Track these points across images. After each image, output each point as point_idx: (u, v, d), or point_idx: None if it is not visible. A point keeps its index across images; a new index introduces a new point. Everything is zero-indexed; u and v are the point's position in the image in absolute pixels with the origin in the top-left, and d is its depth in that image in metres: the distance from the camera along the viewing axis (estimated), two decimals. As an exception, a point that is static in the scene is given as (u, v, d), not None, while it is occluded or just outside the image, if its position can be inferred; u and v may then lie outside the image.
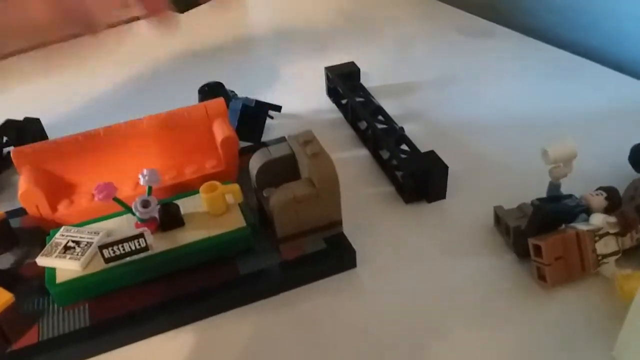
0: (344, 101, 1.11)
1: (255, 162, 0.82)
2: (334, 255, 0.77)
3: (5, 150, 1.04)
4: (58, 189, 0.84)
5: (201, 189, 0.76)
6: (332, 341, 0.69)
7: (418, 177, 0.86)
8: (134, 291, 0.73)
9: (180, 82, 1.28)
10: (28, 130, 1.04)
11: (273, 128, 1.08)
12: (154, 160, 0.88)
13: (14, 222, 0.85)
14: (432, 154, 0.88)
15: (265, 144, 0.99)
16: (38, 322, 0.70)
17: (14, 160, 0.82)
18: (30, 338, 0.69)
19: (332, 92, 1.15)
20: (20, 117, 1.08)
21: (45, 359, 0.67)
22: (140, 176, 0.74)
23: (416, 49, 1.35)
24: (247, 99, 1.00)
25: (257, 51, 1.45)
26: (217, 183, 0.76)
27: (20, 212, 0.88)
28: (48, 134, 1.09)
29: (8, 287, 0.70)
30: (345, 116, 1.10)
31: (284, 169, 0.82)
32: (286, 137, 0.81)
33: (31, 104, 1.24)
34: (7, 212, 0.84)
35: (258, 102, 0.99)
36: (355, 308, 0.73)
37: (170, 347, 0.70)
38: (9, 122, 1.06)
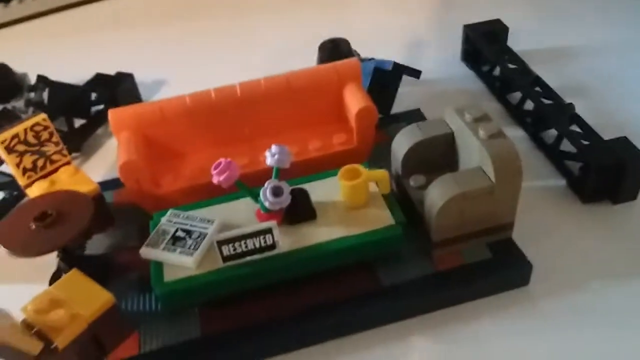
0: (486, 68, 0.92)
1: (402, 142, 0.65)
2: (502, 267, 0.60)
3: (95, 109, 0.92)
4: (161, 160, 0.71)
5: (340, 174, 0.60)
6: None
7: (606, 171, 0.67)
8: (252, 298, 0.58)
9: (289, 33, 1.11)
10: (120, 87, 0.91)
11: (397, 97, 0.90)
12: (272, 131, 0.73)
13: (107, 196, 0.72)
14: (624, 141, 0.68)
15: (397, 117, 0.82)
16: (139, 329, 0.57)
17: (111, 124, 0.69)
18: (129, 348, 0.56)
19: (471, 56, 0.95)
20: (111, 72, 0.95)
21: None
22: (267, 154, 0.58)
23: (569, 8, 1.11)
24: (378, 60, 0.83)
25: (375, 2, 1.25)
26: (360, 167, 0.60)
27: (114, 184, 0.75)
28: (141, 92, 0.97)
29: (102, 278, 0.58)
30: (490, 86, 0.91)
31: (437, 153, 0.65)
32: (447, 110, 0.64)
33: (122, 57, 1.11)
34: (99, 184, 0.72)
35: (396, 65, 0.81)
36: (527, 339, 0.57)
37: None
38: (100, 77, 0.94)
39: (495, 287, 0.60)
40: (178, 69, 1.05)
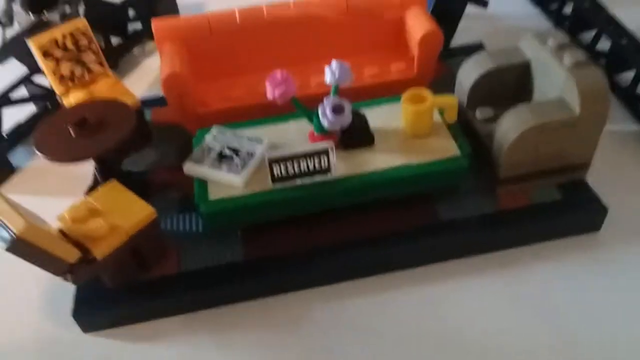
0: (554, 6, 0.85)
1: (470, 70, 0.59)
2: (574, 209, 0.55)
3: (132, 27, 0.87)
4: (206, 78, 0.66)
5: (405, 98, 0.54)
6: (558, 321, 0.50)
7: None
8: (300, 225, 0.55)
9: None
10: (160, 5, 0.86)
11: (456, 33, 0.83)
12: (326, 55, 0.67)
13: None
14: None
15: (456, 51, 0.76)
16: (180, 248, 0.54)
17: (155, 34, 0.64)
18: (169, 266, 0.53)
19: None
20: None
21: (186, 295, 0.52)
22: (327, 70, 0.53)
23: None
24: None
25: None
26: (427, 92, 0.54)
27: (153, 102, 0.71)
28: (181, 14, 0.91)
29: (141, 195, 0.54)
30: (558, 24, 0.84)
31: (509, 84, 0.59)
32: (525, 37, 0.58)
33: None
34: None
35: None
36: (594, 287, 0.52)
37: (344, 304, 0.53)
38: None
39: (563, 230, 0.55)
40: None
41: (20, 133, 0.72)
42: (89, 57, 0.63)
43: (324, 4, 0.66)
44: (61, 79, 0.62)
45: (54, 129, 0.53)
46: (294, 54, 0.68)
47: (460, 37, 0.80)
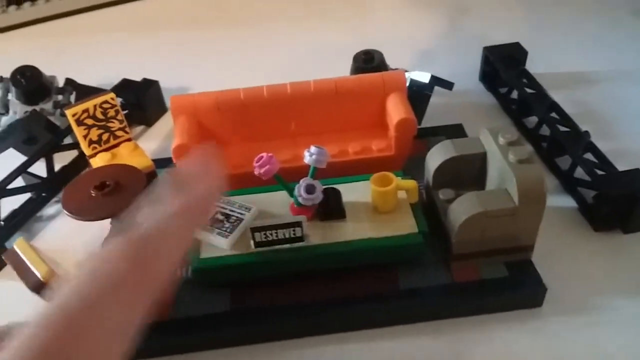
0: (503, 90, 0.93)
1: (435, 156, 0.68)
2: (518, 287, 0.62)
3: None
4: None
5: (372, 179, 0.63)
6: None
7: (619, 201, 0.68)
8: (279, 284, 0.63)
9: (325, 45, 1.15)
10: (146, 93, 0.93)
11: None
12: (316, 131, 0.77)
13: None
14: (638, 173, 0.69)
15: (437, 130, 0.85)
16: (173, 297, 0.63)
17: (171, 108, 0.75)
18: (162, 312, 0.62)
19: (489, 77, 0.96)
20: (129, 76, 0.97)
21: (176, 339, 0.61)
22: (306, 154, 0.63)
23: (589, 32, 1.12)
24: (411, 72, 0.85)
25: (400, 19, 1.26)
26: (392, 176, 0.63)
27: (163, 163, 0.82)
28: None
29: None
30: (506, 108, 0.92)
31: (468, 170, 0.67)
32: (482, 131, 0.67)
33: (148, 64, 1.12)
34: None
35: (433, 77, 0.84)
36: (534, 356, 0.59)
37: (310, 355, 0.61)
38: (127, 82, 0.95)
39: (508, 305, 0.63)
40: (198, 78, 1.07)
41: (17, 220, 0.75)
42: (115, 125, 0.75)
43: (317, 85, 0.76)
44: (90, 142, 0.73)
45: (78, 191, 0.64)
46: (289, 128, 0.77)
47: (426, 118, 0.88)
